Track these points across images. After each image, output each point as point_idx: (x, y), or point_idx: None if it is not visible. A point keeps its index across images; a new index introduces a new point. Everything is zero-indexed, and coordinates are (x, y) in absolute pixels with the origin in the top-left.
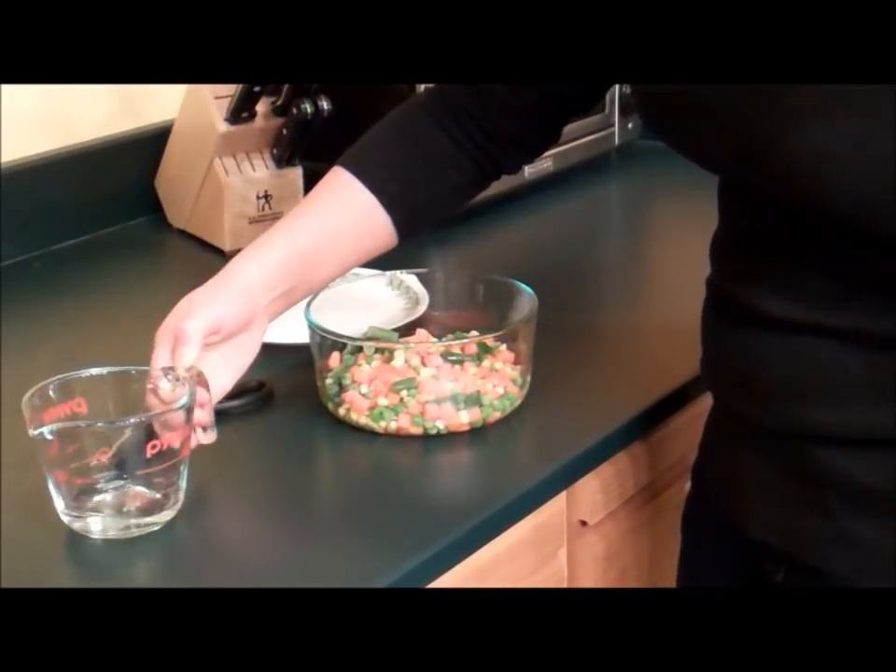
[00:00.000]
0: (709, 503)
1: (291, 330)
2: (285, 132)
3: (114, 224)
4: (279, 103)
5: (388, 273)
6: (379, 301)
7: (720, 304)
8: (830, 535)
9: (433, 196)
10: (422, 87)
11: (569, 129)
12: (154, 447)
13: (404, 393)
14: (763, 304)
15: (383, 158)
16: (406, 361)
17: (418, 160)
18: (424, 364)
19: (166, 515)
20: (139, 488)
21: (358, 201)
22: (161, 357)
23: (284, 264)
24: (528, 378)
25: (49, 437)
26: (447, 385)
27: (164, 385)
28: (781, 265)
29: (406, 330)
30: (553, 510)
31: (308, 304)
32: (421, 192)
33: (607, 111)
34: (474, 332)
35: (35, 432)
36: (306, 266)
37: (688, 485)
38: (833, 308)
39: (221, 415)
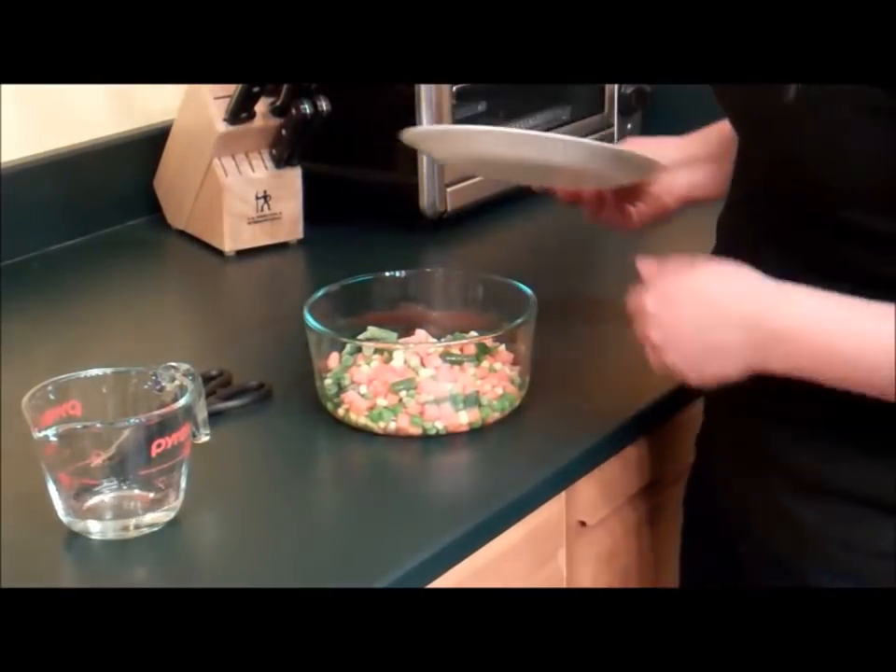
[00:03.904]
0: (700, 473)
1: None
2: (284, 132)
3: (113, 224)
4: (278, 103)
5: None
6: None
7: None
8: (773, 513)
9: None
10: (422, 87)
11: (569, 129)
12: (159, 446)
13: (403, 393)
14: None
15: None
16: (405, 362)
17: None
18: (423, 364)
19: (166, 515)
20: (139, 489)
21: None
22: None
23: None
24: (527, 378)
25: (54, 439)
26: (446, 386)
27: (165, 384)
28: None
29: (405, 331)
30: (552, 510)
31: (308, 304)
32: None
33: (606, 111)
34: (473, 333)
35: (40, 434)
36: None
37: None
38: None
39: (221, 415)
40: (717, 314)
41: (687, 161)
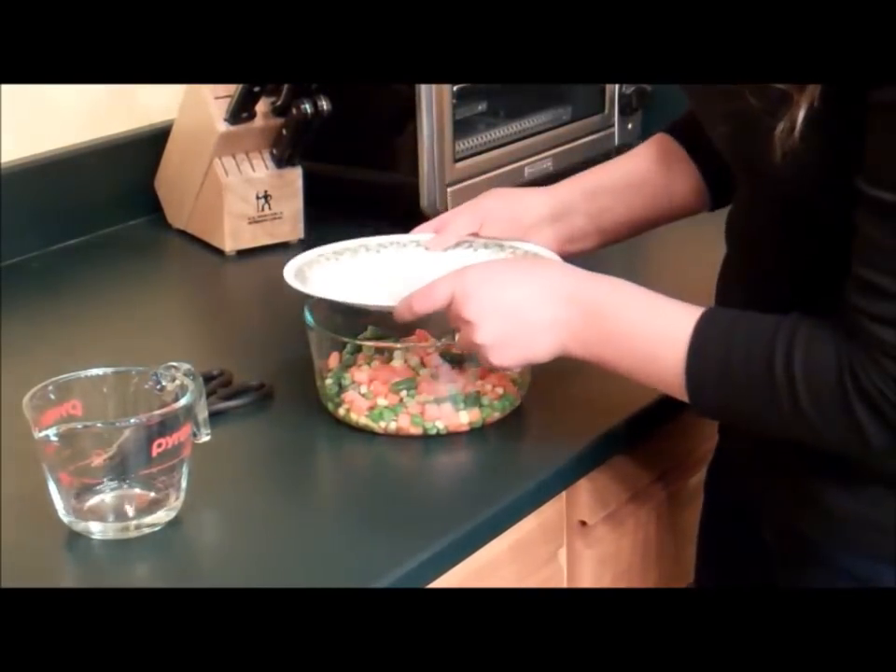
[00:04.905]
0: (724, 458)
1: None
2: (284, 132)
3: (114, 224)
4: (279, 103)
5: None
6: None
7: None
8: (799, 497)
9: None
10: (422, 87)
11: (569, 129)
12: (160, 446)
13: (404, 393)
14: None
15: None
16: (405, 361)
17: None
18: (423, 364)
19: (166, 515)
20: (140, 488)
21: (677, 158)
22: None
23: (565, 194)
24: (528, 378)
25: (54, 439)
26: (446, 386)
27: (166, 384)
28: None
29: (405, 331)
30: (553, 510)
31: (308, 304)
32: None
33: (606, 111)
34: None
35: (41, 434)
36: (589, 200)
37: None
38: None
39: (221, 415)
40: (535, 291)
41: (552, 216)
